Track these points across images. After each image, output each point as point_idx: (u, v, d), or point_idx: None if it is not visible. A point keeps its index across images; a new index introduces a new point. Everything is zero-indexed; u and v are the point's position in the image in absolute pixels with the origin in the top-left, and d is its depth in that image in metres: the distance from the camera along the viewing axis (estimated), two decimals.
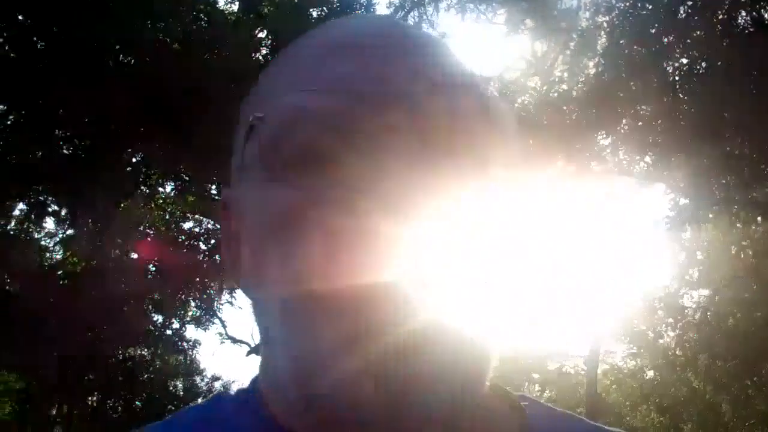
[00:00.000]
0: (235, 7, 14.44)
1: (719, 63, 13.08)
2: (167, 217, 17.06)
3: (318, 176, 0.70)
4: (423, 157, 0.69)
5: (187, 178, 15.16)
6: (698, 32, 13.26)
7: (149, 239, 16.75)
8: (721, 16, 13.15)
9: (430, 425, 0.68)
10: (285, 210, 0.71)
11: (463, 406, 0.70)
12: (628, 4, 13.90)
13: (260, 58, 13.48)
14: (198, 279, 17.14)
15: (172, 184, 16.33)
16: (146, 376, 19.22)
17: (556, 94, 15.28)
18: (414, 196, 0.67)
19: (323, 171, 0.70)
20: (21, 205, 15.01)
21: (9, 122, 13.22)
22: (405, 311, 0.66)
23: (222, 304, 18.70)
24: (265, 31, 13.54)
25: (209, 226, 16.98)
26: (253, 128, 0.74)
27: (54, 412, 17.98)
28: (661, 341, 27.95)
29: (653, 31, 13.78)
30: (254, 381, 0.90)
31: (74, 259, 15.84)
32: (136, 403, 17.61)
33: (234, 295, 17.89)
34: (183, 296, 17.76)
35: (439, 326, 0.67)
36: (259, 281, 0.75)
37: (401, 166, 0.68)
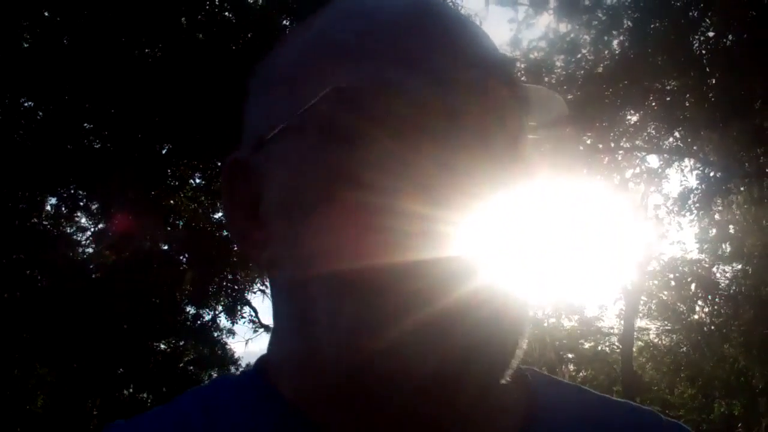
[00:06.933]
0: None
1: (746, 35, 12.97)
2: (197, 207, 17.12)
3: (391, 150, 0.69)
4: (491, 139, 0.70)
5: (218, 165, 15.18)
6: (724, 5, 13.15)
7: (179, 230, 16.82)
8: None
9: (474, 393, 0.69)
10: (339, 174, 0.70)
11: (503, 374, 0.71)
12: None
13: None
14: (228, 269, 17.21)
15: (201, 174, 16.37)
16: (180, 367, 19.29)
17: (582, 72, 15.21)
18: (483, 179, 0.68)
19: (398, 146, 0.69)
20: (52, 200, 15.11)
21: (38, 118, 13.31)
22: (457, 283, 0.66)
23: (254, 293, 18.78)
24: (289, 19, 13.53)
25: None
26: (338, 93, 0.71)
27: (88, 404, 18.12)
28: (695, 316, 27.84)
29: (678, 5, 13.69)
30: (260, 360, 0.89)
31: (106, 252, 15.93)
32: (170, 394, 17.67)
33: (266, 284, 17.92)
34: (214, 287, 17.85)
35: (489, 298, 0.68)
36: (296, 249, 0.74)
37: (477, 147, 0.68)
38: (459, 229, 0.67)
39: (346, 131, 0.71)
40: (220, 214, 17.01)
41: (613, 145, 16.95)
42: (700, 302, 27.25)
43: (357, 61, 0.74)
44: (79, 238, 16.44)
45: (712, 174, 15.77)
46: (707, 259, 26.90)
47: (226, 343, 20.71)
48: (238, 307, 18.90)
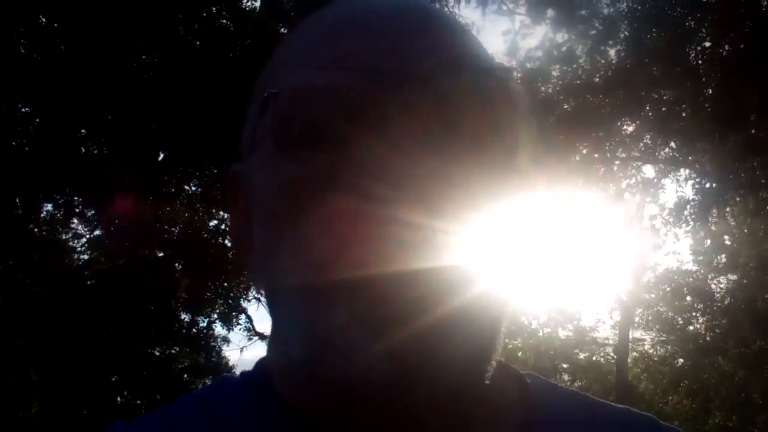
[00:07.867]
0: (257, 3, 14.45)
1: (742, 46, 12.99)
2: (192, 214, 17.06)
3: (330, 154, 0.68)
4: (443, 139, 0.67)
5: (214, 173, 15.14)
6: (720, 15, 13.16)
7: (175, 237, 16.78)
8: None
9: (441, 404, 0.67)
10: (295, 185, 0.70)
11: (473, 387, 0.70)
12: None
13: None
14: (224, 276, 17.17)
15: (197, 181, 16.32)
16: (174, 374, 19.20)
17: (578, 82, 15.19)
18: (433, 181, 0.65)
19: (336, 149, 0.68)
20: (48, 207, 15.06)
21: (35, 124, 13.29)
22: (420, 298, 0.65)
23: (249, 301, 18.73)
24: (287, 27, 13.50)
25: None
26: (267, 103, 0.72)
27: (82, 411, 18.05)
28: (690, 328, 27.79)
29: (675, 15, 13.70)
30: (260, 363, 0.90)
31: (102, 259, 15.87)
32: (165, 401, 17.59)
33: (261, 291, 17.71)
34: (210, 294, 17.79)
35: (455, 313, 0.66)
36: (270, 260, 0.74)
37: (419, 148, 0.66)
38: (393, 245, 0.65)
39: (285, 140, 0.71)
40: (215, 221, 17.00)
41: (609, 155, 16.93)
42: (695, 313, 27.22)
43: (297, 68, 0.74)
44: (74, 245, 16.40)
45: (707, 185, 15.76)
46: (702, 271, 26.88)
47: (221, 350, 20.65)
48: (233, 315, 18.85)
